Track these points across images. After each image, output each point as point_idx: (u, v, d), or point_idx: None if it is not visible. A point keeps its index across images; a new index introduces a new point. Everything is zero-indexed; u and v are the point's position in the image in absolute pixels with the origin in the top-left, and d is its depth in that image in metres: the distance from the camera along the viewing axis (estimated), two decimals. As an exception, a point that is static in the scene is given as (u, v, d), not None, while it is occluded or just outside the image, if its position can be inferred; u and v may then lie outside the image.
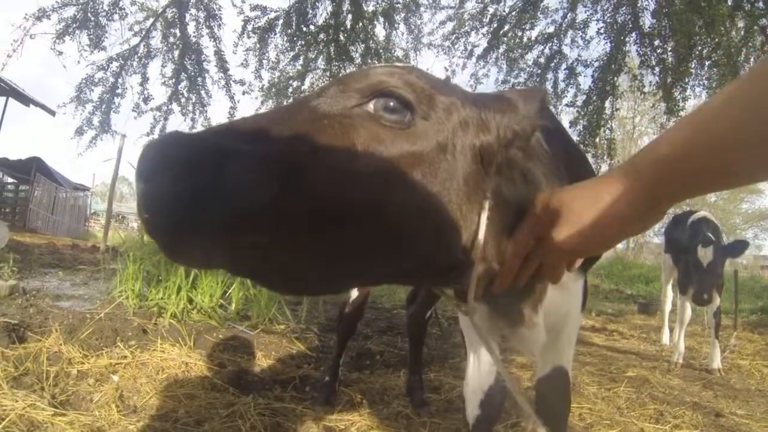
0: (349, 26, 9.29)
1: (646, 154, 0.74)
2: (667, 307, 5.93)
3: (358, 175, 0.70)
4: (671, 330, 5.44)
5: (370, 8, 9.41)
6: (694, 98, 7.36)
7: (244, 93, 9.69)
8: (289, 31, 9.15)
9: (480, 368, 1.39)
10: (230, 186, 0.63)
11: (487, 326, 0.94)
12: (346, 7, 9.08)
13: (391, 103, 0.76)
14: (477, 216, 0.82)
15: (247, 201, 0.64)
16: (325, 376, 2.73)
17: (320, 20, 9.24)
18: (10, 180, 18.81)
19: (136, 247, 4.17)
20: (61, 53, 8.85)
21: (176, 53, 9.95)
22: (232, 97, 9.79)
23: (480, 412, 1.37)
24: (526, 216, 0.86)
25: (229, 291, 3.72)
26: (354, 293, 2.69)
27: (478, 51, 8.62)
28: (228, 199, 0.63)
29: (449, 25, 8.85)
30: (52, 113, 14.32)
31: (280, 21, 9.10)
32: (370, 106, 0.76)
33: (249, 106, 32.87)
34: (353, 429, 2.34)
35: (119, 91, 9.80)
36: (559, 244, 0.81)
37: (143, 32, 9.80)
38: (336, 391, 2.66)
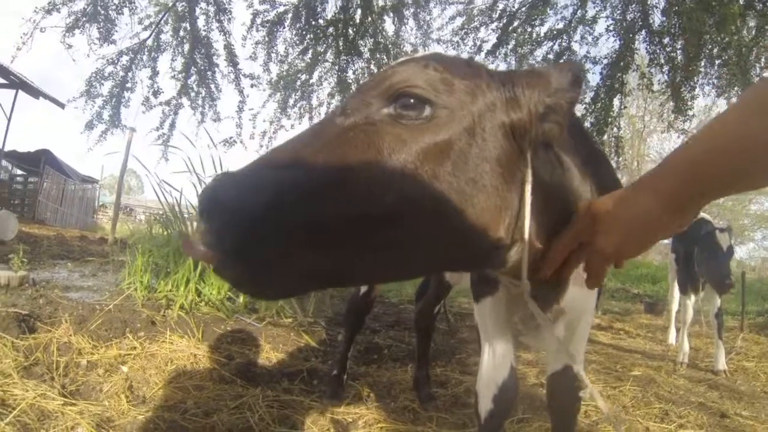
0: (358, 21, 9.28)
1: (676, 156, 0.78)
2: (674, 306, 5.90)
3: (390, 179, 0.73)
4: (678, 330, 5.41)
5: (380, 3, 9.39)
6: (703, 97, 7.29)
7: (252, 86, 9.71)
8: (298, 24, 9.15)
9: (494, 362, 1.38)
10: (278, 212, 0.69)
11: (504, 317, 0.94)
12: (355, 1, 9.06)
13: (411, 101, 0.77)
14: (517, 196, 0.83)
15: (294, 223, 0.70)
16: (333, 369, 2.74)
17: (329, 14, 9.24)
18: (19, 172, 18.91)
19: (145, 239, 4.20)
20: (70, 47, 8.83)
21: (186, 47, 9.94)
22: (241, 92, 9.79)
23: (493, 407, 1.37)
24: (570, 221, 0.90)
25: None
26: (363, 287, 2.69)
27: (487, 47, 8.54)
28: (277, 224, 0.69)
29: (458, 21, 8.80)
30: (62, 106, 14.34)
31: (289, 15, 9.10)
32: (390, 109, 0.77)
33: (258, 100, 32.92)
34: (360, 422, 2.35)
35: (129, 85, 9.80)
36: (603, 251, 0.86)
37: (153, 26, 9.80)
38: (344, 385, 2.67)
